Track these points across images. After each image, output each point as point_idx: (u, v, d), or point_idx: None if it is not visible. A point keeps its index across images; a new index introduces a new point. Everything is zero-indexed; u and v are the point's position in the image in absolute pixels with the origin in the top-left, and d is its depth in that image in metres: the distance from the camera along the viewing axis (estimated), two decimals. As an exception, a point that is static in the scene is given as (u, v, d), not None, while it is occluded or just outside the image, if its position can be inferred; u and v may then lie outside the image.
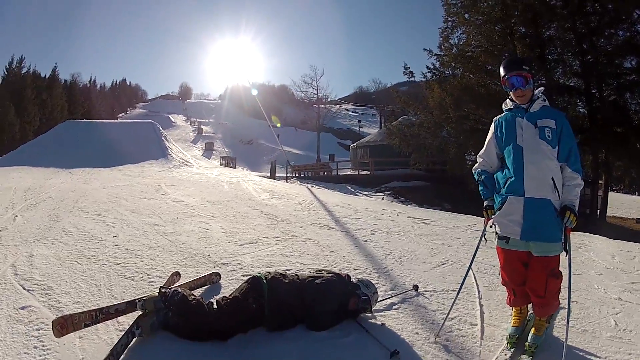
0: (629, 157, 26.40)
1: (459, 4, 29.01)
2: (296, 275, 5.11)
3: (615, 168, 30.26)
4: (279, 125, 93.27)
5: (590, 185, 28.38)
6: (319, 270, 5.43)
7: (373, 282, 5.67)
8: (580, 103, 28.60)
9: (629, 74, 26.11)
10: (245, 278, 5.03)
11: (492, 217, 4.64)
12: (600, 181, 29.51)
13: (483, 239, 4.96)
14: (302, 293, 4.80)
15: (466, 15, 28.88)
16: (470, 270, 6.28)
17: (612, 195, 35.11)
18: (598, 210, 27.72)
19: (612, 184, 50.49)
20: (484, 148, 4.87)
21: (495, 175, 4.75)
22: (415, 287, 5.95)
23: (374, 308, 5.25)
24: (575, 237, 9.56)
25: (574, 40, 26.91)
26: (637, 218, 31.14)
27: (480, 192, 4.86)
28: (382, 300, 5.54)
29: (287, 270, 5.49)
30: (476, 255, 5.12)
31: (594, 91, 27.16)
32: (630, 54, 25.61)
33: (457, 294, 5.01)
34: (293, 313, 4.71)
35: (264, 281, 4.78)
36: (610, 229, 22.59)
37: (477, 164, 4.97)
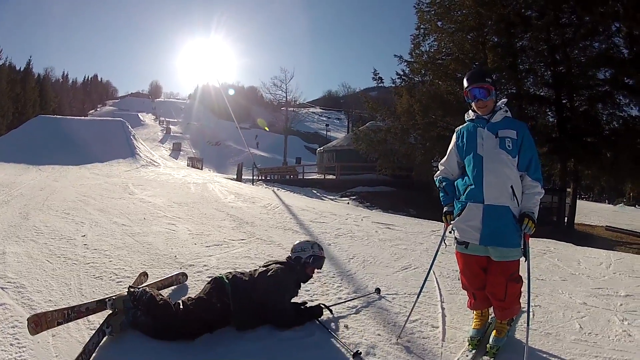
0: (599, 166, 26.66)
1: (433, 12, 29.36)
2: (253, 272, 5.21)
3: (584, 177, 30.52)
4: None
5: (558, 193, 28.77)
6: (267, 263, 5.50)
7: (336, 285, 5.89)
8: (550, 113, 28.93)
9: (602, 85, 26.45)
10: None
11: (452, 222, 4.75)
12: (568, 189, 29.86)
13: (443, 243, 5.04)
14: (257, 287, 4.92)
15: (439, 23, 29.18)
16: (433, 274, 6.49)
17: (581, 203, 35.49)
18: (566, 218, 27.99)
19: (582, 192, 51.02)
20: (445, 156, 4.98)
21: (455, 183, 4.85)
22: (378, 290, 6.06)
23: (337, 310, 5.37)
24: (540, 244, 9.78)
25: (546, 50, 27.24)
26: (606, 225, 31.52)
27: (441, 198, 4.94)
28: (344, 302, 5.66)
29: (244, 270, 5.53)
30: (437, 260, 5.21)
31: (564, 101, 27.48)
32: (605, 66, 25.94)
33: (418, 296, 5.08)
34: (255, 309, 4.82)
35: (226, 281, 4.90)
36: (579, 236, 22.72)
37: (438, 172, 5.06)
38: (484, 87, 4.62)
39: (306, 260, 5.38)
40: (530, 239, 4.48)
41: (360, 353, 4.36)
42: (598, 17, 24.82)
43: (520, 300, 4.80)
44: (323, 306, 5.19)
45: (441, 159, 5.07)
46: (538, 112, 28.59)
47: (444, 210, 4.90)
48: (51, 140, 30.22)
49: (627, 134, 25.27)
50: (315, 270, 5.58)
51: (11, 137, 33.46)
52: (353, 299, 5.78)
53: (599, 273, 7.86)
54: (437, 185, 5.03)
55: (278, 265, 5.26)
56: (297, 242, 5.75)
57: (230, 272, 5.15)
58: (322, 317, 5.13)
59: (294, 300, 5.34)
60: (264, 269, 5.22)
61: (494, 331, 4.73)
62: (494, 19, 27.12)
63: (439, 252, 5.10)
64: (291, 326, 4.86)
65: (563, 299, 6.28)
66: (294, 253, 5.51)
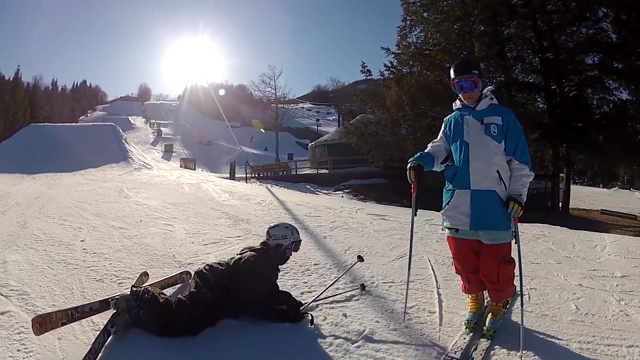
0: (591, 150, 26.83)
1: (418, 3, 29.15)
2: (229, 260, 5.26)
3: (577, 161, 30.66)
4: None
5: (551, 178, 28.84)
6: (242, 250, 5.53)
7: (333, 275, 5.98)
8: (539, 99, 28.94)
9: (590, 70, 26.49)
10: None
11: (441, 211, 4.83)
12: (561, 174, 29.96)
13: (415, 215, 5.05)
14: (232, 275, 4.99)
15: (425, 14, 29.01)
16: (428, 261, 6.60)
17: (576, 188, 35.55)
18: (560, 203, 28.10)
19: (576, 177, 51.13)
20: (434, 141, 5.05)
21: (445, 173, 4.93)
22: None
23: (335, 300, 5.48)
24: (534, 228, 9.76)
25: (534, 38, 27.28)
26: (601, 209, 31.60)
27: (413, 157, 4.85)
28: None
29: (222, 260, 5.52)
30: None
31: (554, 87, 27.52)
32: (593, 51, 25.99)
33: (409, 266, 5.07)
34: (234, 297, 4.91)
35: (206, 272, 5.02)
36: (574, 220, 22.62)
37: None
38: (470, 80, 4.70)
39: (287, 246, 5.46)
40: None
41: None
42: (584, 2, 24.86)
43: (515, 283, 4.85)
44: (309, 316, 5.01)
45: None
46: (528, 99, 28.61)
47: (410, 164, 4.77)
48: (43, 149, 30.10)
49: (618, 118, 25.36)
50: (289, 253, 5.60)
51: (3, 147, 33.27)
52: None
53: (594, 255, 7.93)
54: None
55: (252, 252, 5.29)
56: (274, 225, 5.74)
57: (207, 265, 5.22)
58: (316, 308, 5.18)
59: (289, 290, 5.45)
60: (239, 256, 5.27)
61: (490, 314, 4.80)
62: (480, 8, 27.10)
63: (414, 224, 5.07)
64: (264, 317, 4.91)
65: (558, 282, 6.34)
66: (273, 240, 5.52)
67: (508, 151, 4.59)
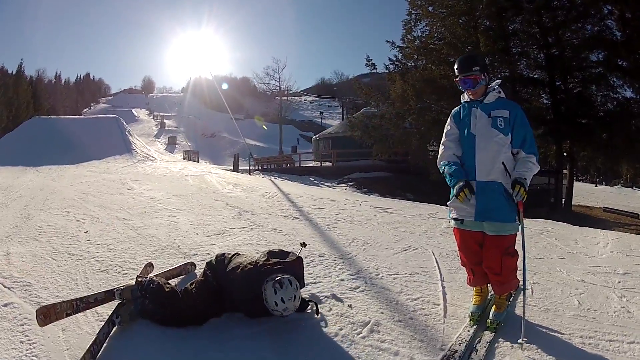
0: (594, 147, 26.86)
1: (423, -3, 29.09)
2: (231, 258, 5.10)
3: (580, 158, 30.69)
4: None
5: (554, 175, 28.86)
6: (240, 263, 4.94)
7: (337, 267, 5.98)
8: (544, 95, 29.01)
9: (595, 66, 26.57)
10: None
11: (448, 203, 4.84)
12: (565, 171, 29.97)
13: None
14: (228, 279, 4.89)
15: (430, 8, 29.18)
16: (432, 254, 6.61)
17: (579, 185, 35.54)
18: (563, 200, 28.10)
19: (579, 174, 51.07)
20: (444, 138, 4.99)
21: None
22: (303, 244, 5.68)
23: (340, 290, 5.50)
24: (538, 224, 9.80)
25: (538, 33, 27.40)
26: (604, 207, 31.61)
27: (449, 177, 4.75)
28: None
29: (228, 253, 5.32)
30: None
31: (558, 83, 27.52)
32: (598, 48, 26.02)
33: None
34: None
35: (214, 263, 5.04)
36: (576, 217, 22.74)
37: (440, 155, 4.98)
38: (470, 78, 4.73)
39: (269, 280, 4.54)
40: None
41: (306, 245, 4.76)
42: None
43: (518, 277, 4.87)
44: (313, 305, 4.90)
45: (437, 143, 5.10)
46: (532, 95, 28.72)
47: (459, 185, 4.58)
48: (47, 141, 30.08)
49: (622, 115, 25.44)
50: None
51: (7, 140, 33.33)
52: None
53: (596, 252, 7.88)
54: (442, 171, 4.89)
55: (252, 265, 4.80)
56: (285, 287, 4.36)
57: (215, 256, 5.21)
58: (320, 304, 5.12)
59: None
60: (235, 267, 4.90)
61: (494, 306, 4.80)
62: (485, 2, 27.16)
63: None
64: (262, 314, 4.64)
65: (561, 277, 6.31)
66: (272, 281, 4.52)
67: (515, 144, 4.59)
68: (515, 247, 4.73)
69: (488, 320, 4.67)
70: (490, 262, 4.68)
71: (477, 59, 4.94)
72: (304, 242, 5.96)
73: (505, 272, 4.67)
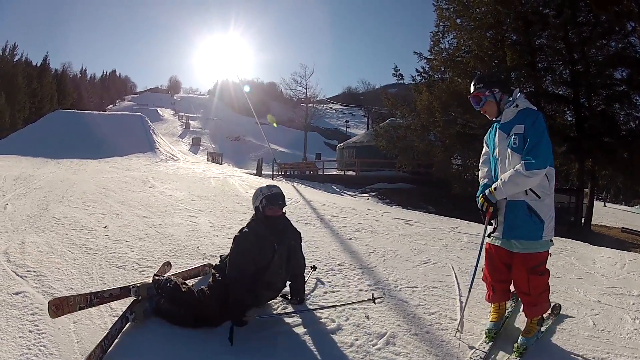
0: (616, 166, 26.66)
1: (451, 9, 29.18)
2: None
3: (602, 177, 30.47)
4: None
5: (575, 193, 28.64)
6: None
7: (357, 277, 5.87)
8: (568, 112, 28.79)
9: (618, 84, 26.33)
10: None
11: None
12: (585, 190, 29.74)
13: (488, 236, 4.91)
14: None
15: (458, 21, 29.03)
16: (452, 269, 6.50)
17: (597, 204, 35.28)
18: (583, 218, 27.87)
19: (598, 193, 50.70)
20: (482, 157, 5.03)
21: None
22: (374, 299, 5.57)
23: (357, 301, 5.40)
24: (557, 242, 9.60)
25: (564, 49, 27.13)
26: (622, 227, 31.36)
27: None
28: (339, 305, 5.48)
29: None
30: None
31: (582, 100, 27.32)
32: (621, 65, 25.81)
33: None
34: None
35: (220, 264, 5.05)
36: (595, 237, 22.70)
37: (480, 175, 5.03)
38: (473, 96, 4.76)
39: (259, 205, 5.14)
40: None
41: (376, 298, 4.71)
42: (613, 16, 24.61)
43: (550, 298, 4.76)
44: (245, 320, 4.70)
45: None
46: (556, 111, 28.48)
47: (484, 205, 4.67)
48: (70, 135, 30.44)
49: (642, 135, 25.06)
50: (283, 210, 5.40)
51: (29, 131, 33.79)
52: (348, 304, 5.44)
53: (613, 272, 7.87)
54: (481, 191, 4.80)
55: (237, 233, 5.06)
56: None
57: (221, 257, 5.25)
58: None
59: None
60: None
61: (523, 330, 4.69)
62: (512, 16, 27.05)
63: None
64: (234, 299, 4.65)
65: (578, 297, 6.30)
66: (253, 208, 5.26)
67: (524, 152, 4.39)
68: (547, 266, 4.62)
69: (515, 345, 4.53)
70: (518, 281, 4.62)
71: (482, 76, 4.88)
72: (314, 266, 6.20)
73: (534, 292, 4.55)
